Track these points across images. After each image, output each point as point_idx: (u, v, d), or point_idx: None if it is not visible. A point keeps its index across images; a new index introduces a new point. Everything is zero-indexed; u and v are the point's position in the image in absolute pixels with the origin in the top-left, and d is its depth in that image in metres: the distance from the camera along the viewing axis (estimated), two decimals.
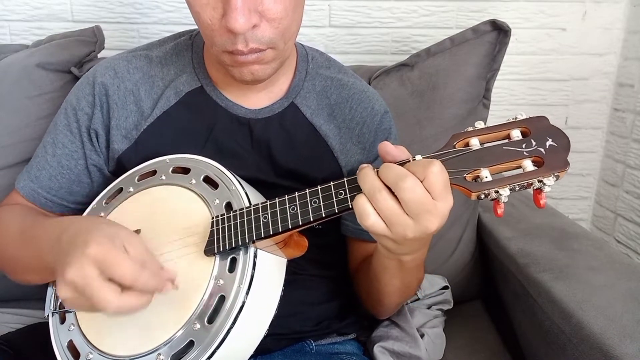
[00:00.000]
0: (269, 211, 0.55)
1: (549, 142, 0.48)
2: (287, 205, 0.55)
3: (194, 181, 0.63)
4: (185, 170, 0.65)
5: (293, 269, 0.65)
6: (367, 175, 0.49)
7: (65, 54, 0.98)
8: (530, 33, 1.26)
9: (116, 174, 0.71)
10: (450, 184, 0.49)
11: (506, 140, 0.50)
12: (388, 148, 0.52)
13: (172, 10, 1.21)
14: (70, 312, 0.60)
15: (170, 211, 0.62)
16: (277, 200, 0.56)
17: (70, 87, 0.76)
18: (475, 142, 0.50)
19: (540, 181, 0.47)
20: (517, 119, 0.50)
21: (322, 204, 0.53)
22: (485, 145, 0.50)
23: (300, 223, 0.54)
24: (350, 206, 0.51)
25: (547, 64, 1.28)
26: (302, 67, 0.74)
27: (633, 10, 1.24)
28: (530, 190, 0.49)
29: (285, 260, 0.62)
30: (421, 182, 0.47)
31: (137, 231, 0.62)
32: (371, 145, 0.75)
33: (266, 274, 0.57)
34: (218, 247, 0.56)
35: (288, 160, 0.71)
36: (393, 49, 1.26)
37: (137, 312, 0.54)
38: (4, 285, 0.90)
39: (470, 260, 1.00)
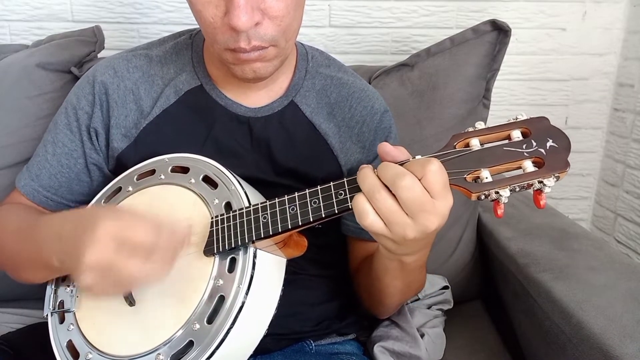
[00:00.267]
0: (268, 211, 0.55)
1: (550, 143, 0.48)
2: (287, 206, 0.55)
3: (193, 181, 0.63)
4: (185, 170, 0.65)
5: (293, 269, 0.65)
6: (366, 175, 0.49)
7: (65, 54, 0.98)
8: (530, 33, 1.26)
9: (116, 172, 0.71)
10: (451, 184, 0.48)
11: (506, 141, 0.49)
12: (387, 148, 0.52)
13: (172, 10, 1.21)
14: (70, 311, 0.60)
15: (169, 211, 0.62)
16: (276, 200, 0.56)
17: (70, 87, 0.76)
18: (475, 143, 0.50)
19: (540, 182, 0.47)
20: (518, 120, 0.50)
21: (321, 204, 0.53)
22: (486, 145, 0.49)
23: (300, 223, 0.53)
24: (350, 207, 0.51)
25: (547, 64, 1.28)
26: (302, 66, 0.74)
27: (633, 10, 1.24)
28: (531, 191, 0.49)
29: (285, 260, 0.62)
30: (419, 180, 0.47)
31: None
32: (371, 144, 0.75)
33: (266, 274, 0.56)
34: (217, 247, 0.56)
35: (288, 159, 0.71)
36: (393, 49, 1.26)
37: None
38: (4, 285, 0.90)
39: (470, 260, 1.00)
